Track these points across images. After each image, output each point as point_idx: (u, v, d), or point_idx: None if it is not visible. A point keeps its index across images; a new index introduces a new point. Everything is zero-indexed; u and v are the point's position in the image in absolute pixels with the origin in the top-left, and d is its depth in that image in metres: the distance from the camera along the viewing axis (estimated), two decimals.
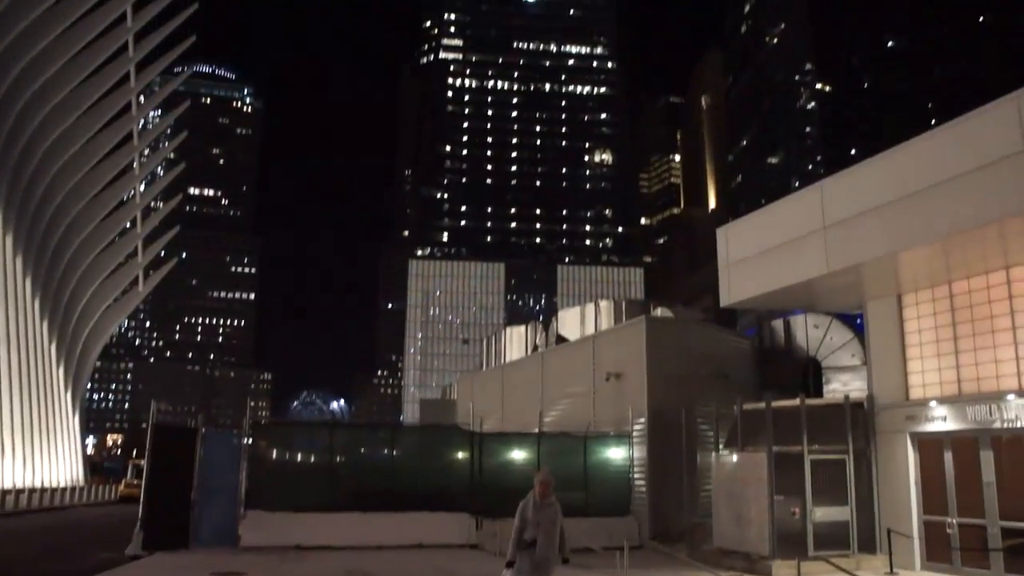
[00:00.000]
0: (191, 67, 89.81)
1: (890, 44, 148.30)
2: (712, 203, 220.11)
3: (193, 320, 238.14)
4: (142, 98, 32.19)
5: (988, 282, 17.07)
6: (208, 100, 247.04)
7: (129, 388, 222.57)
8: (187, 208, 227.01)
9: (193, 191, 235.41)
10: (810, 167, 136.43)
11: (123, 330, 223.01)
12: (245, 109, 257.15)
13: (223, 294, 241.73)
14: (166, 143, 60.90)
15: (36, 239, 28.98)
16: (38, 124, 26.66)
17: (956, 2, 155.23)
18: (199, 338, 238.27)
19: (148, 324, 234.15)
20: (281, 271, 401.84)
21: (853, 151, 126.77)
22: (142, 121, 32.23)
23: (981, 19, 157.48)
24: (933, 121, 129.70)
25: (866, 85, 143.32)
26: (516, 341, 40.52)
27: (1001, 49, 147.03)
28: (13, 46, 23.81)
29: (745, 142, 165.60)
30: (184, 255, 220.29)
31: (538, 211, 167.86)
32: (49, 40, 25.05)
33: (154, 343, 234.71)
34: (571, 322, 35.61)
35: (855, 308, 22.33)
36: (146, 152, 45.66)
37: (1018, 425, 15.87)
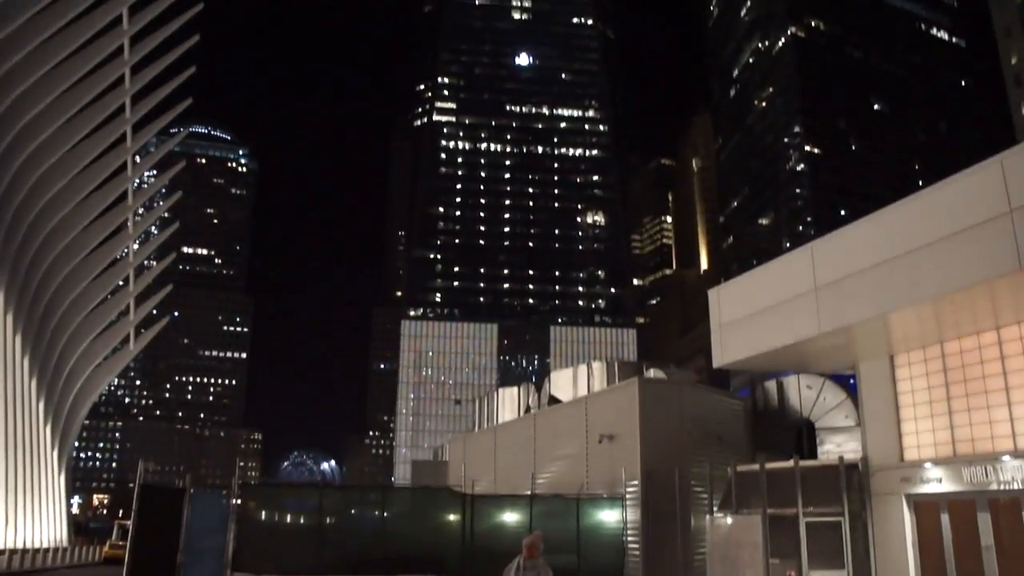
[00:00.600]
0: (187, 128, 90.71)
1: (876, 107, 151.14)
2: (704, 264, 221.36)
3: (184, 379, 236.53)
4: (138, 158, 32.44)
5: (979, 342, 17.12)
6: (203, 160, 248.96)
7: (117, 447, 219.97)
8: (180, 267, 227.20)
9: (187, 250, 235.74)
10: (800, 228, 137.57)
11: (113, 389, 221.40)
12: (240, 169, 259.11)
13: (214, 353, 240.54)
14: (160, 202, 61.03)
15: (28, 297, 28.90)
16: (33, 183, 26.77)
17: (937, 68, 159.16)
18: (189, 397, 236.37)
19: (138, 383, 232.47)
20: (273, 331, 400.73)
21: (843, 212, 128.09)
22: (137, 181, 32.45)
23: (963, 83, 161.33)
24: (920, 182, 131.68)
25: (853, 147, 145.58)
26: (508, 402, 40.30)
27: (981, 112, 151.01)
28: (12, 107, 24.04)
29: (736, 203, 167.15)
30: (176, 314, 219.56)
31: (531, 272, 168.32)
32: (47, 102, 25.29)
33: (143, 402, 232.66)
34: (564, 383, 35.48)
35: (848, 369, 22.34)
36: (140, 211, 45.82)
37: (1015, 487, 15.73)
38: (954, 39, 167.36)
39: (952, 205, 15.33)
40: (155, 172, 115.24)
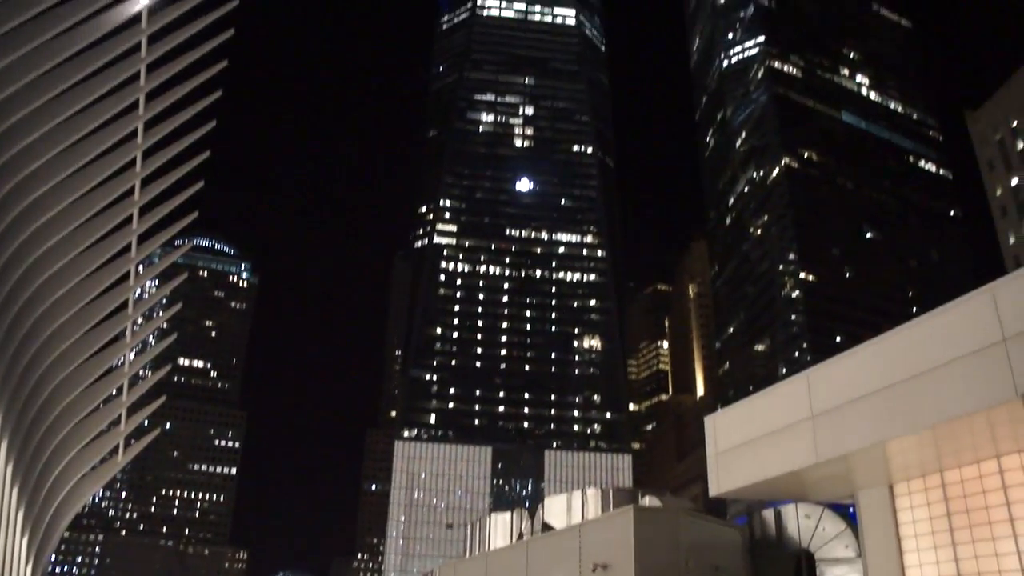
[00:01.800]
0: (191, 240, 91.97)
1: (868, 235, 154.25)
2: (700, 390, 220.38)
3: (171, 493, 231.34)
4: (140, 268, 32.78)
5: (980, 471, 16.89)
6: (205, 273, 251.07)
7: (96, 562, 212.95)
8: (175, 378, 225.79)
9: (183, 362, 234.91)
10: (796, 354, 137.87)
11: (97, 500, 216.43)
12: (241, 284, 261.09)
13: (204, 467, 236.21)
14: (160, 313, 61.37)
15: (19, 402, 28.70)
16: (34, 291, 26.97)
17: (927, 198, 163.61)
18: (175, 512, 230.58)
19: (124, 495, 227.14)
20: (265, 446, 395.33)
21: (838, 338, 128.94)
22: (138, 290, 32.77)
23: (951, 213, 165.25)
24: (914, 309, 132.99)
25: (847, 274, 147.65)
26: (501, 528, 39.41)
27: (970, 240, 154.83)
28: (21, 215, 24.50)
29: (732, 329, 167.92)
30: (168, 426, 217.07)
31: (526, 395, 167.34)
32: (54, 212, 25.77)
33: (127, 515, 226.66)
34: (558, 510, 34.81)
35: (847, 498, 21.97)
36: (139, 321, 46.01)
37: None
38: (941, 171, 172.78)
39: (947, 333, 15.43)
40: (156, 282, 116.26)
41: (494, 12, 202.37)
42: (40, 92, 22.66)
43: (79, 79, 23.24)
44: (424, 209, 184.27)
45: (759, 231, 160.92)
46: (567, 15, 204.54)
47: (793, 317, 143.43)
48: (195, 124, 28.91)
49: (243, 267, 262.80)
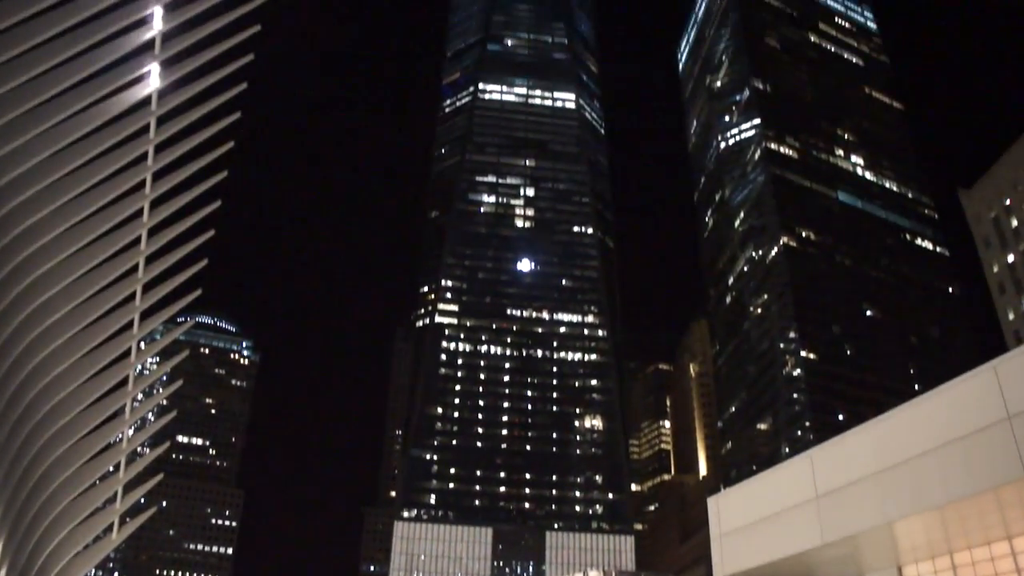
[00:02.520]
0: (194, 317, 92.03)
1: (868, 313, 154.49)
2: (703, 469, 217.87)
3: (165, 573, 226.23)
4: (142, 345, 32.76)
5: (992, 553, 16.58)
6: (207, 350, 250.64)
7: None
8: (173, 456, 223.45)
9: (181, 439, 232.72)
10: (799, 432, 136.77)
11: None
12: (242, 361, 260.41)
13: (200, 547, 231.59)
14: (160, 390, 61.11)
15: (14, 478, 28.40)
16: (35, 366, 26.94)
17: (925, 275, 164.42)
18: None
19: (116, 575, 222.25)
20: (262, 525, 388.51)
21: (840, 416, 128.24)
22: (139, 366, 32.71)
23: (950, 290, 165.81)
24: (916, 386, 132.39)
25: (848, 352, 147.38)
26: None
27: (970, 317, 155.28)
28: (21, 294, 24.64)
29: (734, 408, 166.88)
30: (164, 504, 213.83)
31: (527, 476, 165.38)
32: (58, 288, 25.93)
33: None
34: None
35: None
36: (139, 398, 45.77)
37: None
38: (938, 248, 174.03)
39: (951, 411, 15.34)
40: (158, 359, 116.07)
41: (495, 96, 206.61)
42: (49, 171, 23.05)
43: (88, 159, 23.67)
44: (426, 289, 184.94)
45: (759, 310, 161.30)
46: (567, 99, 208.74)
47: (795, 396, 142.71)
48: (200, 202, 29.31)
49: (244, 345, 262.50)
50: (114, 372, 29.84)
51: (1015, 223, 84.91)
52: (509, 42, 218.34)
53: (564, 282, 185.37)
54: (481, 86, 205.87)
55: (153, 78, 23.88)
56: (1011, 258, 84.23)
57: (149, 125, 24.89)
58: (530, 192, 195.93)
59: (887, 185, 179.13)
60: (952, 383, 15.68)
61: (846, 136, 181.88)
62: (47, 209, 23.53)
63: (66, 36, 20.95)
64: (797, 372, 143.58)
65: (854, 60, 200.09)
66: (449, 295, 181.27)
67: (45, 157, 22.61)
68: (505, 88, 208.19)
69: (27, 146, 21.94)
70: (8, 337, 24.64)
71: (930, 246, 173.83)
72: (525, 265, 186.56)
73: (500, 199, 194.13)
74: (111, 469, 34.33)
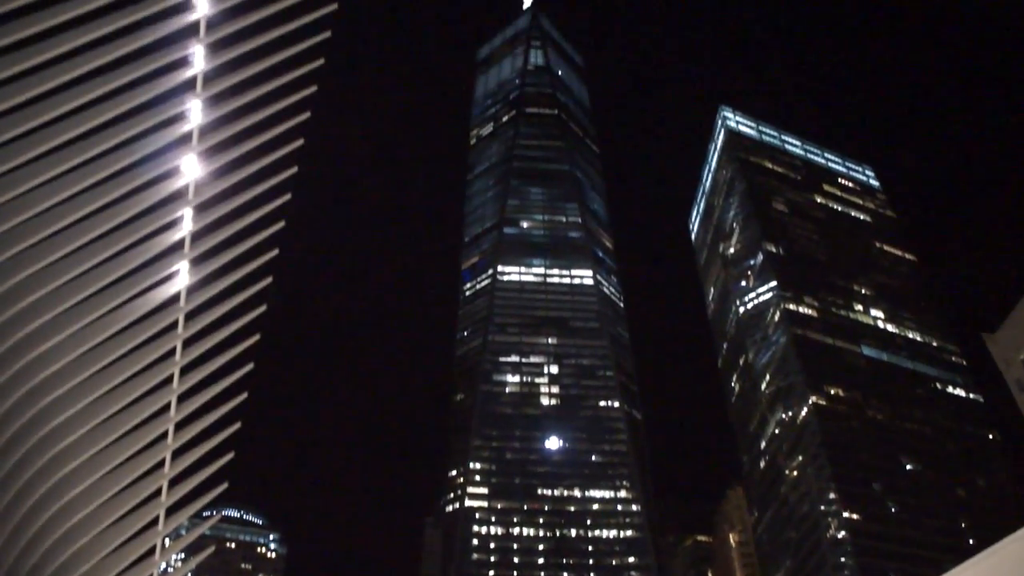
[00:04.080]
0: (220, 511, 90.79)
1: (908, 467, 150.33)
2: None
3: None
4: (167, 541, 32.46)
5: None
6: (233, 544, 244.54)
7: None
8: None
9: None
10: None
11: None
12: (269, 555, 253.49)
13: None
14: None
15: None
16: (56, 568, 26.70)
17: (961, 423, 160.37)
18: None
19: None
20: None
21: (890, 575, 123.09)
22: (164, 564, 32.19)
23: (990, 436, 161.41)
24: (971, 540, 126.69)
25: (893, 509, 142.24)
26: None
27: (1016, 462, 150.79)
28: (46, 495, 24.81)
29: None
30: None
31: None
32: (84, 487, 26.06)
33: None
34: None
35: None
36: None
37: None
38: (971, 395, 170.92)
39: (1016, 569, 14.63)
40: (183, 555, 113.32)
41: (514, 277, 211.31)
42: (78, 370, 23.76)
43: (117, 356, 24.41)
44: (454, 473, 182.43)
45: (795, 472, 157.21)
46: (584, 275, 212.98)
47: (842, 560, 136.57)
48: (227, 395, 29.71)
49: (271, 538, 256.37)
50: (139, 570, 29.41)
51: None
52: (524, 224, 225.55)
53: (594, 458, 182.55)
54: (500, 268, 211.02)
55: (182, 276, 24.98)
56: None
57: (177, 321, 25.76)
58: (554, 369, 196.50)
59: (910, 336, 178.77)
60: (1014, 536, 15.01)
61: (863, 291, 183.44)
62: (75, 408, 24.12)
63: (104, 239, 22.23)
64: (842, 535, 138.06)
65: (861, 217, 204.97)
66: (478, 478, 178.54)
67: (75, 357, 23.40)
68: (523, 269, 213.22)
69: (65, 345, 22.81)
70: (32, 537, 24.60)
71: (963, 393, 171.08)
72: (553, 443, 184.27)
73: (524, 378, 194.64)
74: None
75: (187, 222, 23.82)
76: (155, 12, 20.84)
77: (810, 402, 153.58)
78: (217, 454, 33.30)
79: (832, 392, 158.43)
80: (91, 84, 20.57)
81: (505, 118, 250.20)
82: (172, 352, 26.44)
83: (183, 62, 21.65)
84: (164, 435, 28.63)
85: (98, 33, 20.02)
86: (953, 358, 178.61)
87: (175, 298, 25.30)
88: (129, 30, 20.64)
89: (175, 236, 23.91)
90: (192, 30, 21.54)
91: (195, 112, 22.36)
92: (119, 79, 20.84)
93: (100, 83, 20.66)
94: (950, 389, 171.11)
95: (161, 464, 29.38)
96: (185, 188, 23.38)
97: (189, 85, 22.10)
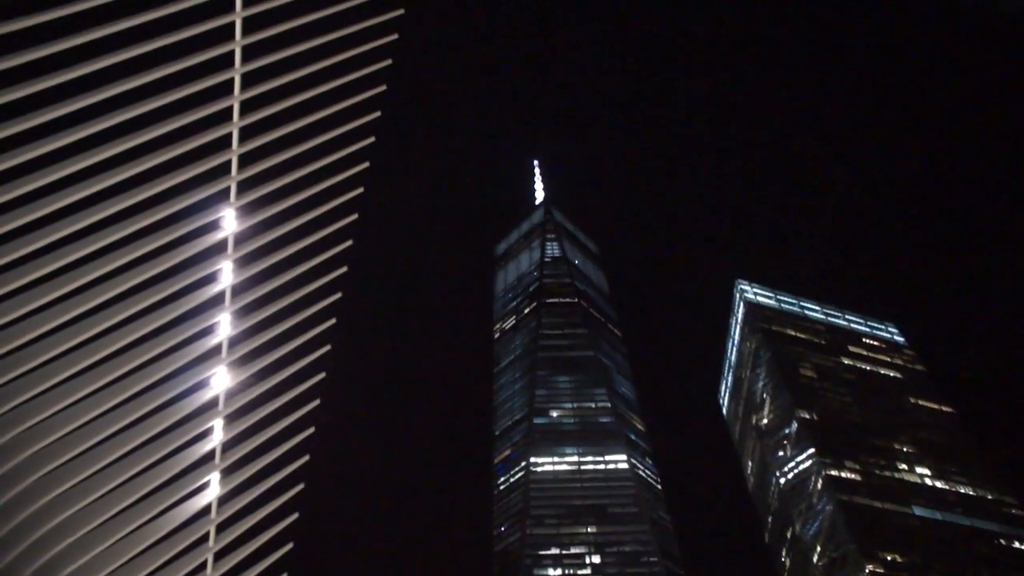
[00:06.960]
0: None
1: None
2: None
3: None
4: None
5: None
6: None
7: None
8: None
9: None
10: None
11: None
12: None
13: None
14: None
15: None
16: None
17: None
18: None
19: None
20: None
21: None
22: None
23: None
24: None
25: None
26: None
27: None
28: None
29: None
30: None
31: None
32: None
33: None
34: None
35: None
36: None
37: None
38: None
39: None
40: None
41: (548, 467, 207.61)
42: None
43: (151, 571, 24.53)
44: None
45: None
46: (619, 460, 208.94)
47: None
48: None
49: None
50: None
51: None
52: (554, 414, 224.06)
53: None
54: (532, 459, 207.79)
55: (213, 486, 25.44)
56: None
57: (209, 534, 25.98)
58: (596, 559, 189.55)
59: (962, 491, 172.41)
60: None
61: (904, 449, 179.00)
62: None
63: (137, 452, 22.92)
64: None
65: (891, 374, 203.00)
66: None
67: (108, 574, 23.54)
68: (556, 458, 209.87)
69: (90, 565, 23.01)
70: None
71: None
72: None
73: (566, 570, 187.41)
74: None
75: (218, 432, 24.53)
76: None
77: (866, 571, 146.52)
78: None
79: (889, 559, 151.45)
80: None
81: (527, 310, 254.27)
82: (203, 566, 26.53)
83: (212, 278, 22.96)
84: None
85: (133, 254, 21.35)
86: (1013, 511, 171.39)
87: (206, 510, 25.64)
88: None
89: (205, 447, 24.58)
90: (220, 247, 22.80)
91: (224, 326, 23.45)
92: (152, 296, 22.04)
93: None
94: (1016, 544, 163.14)
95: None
96: (215, 399, 24.29)
97: (218, 299, 23.34)
